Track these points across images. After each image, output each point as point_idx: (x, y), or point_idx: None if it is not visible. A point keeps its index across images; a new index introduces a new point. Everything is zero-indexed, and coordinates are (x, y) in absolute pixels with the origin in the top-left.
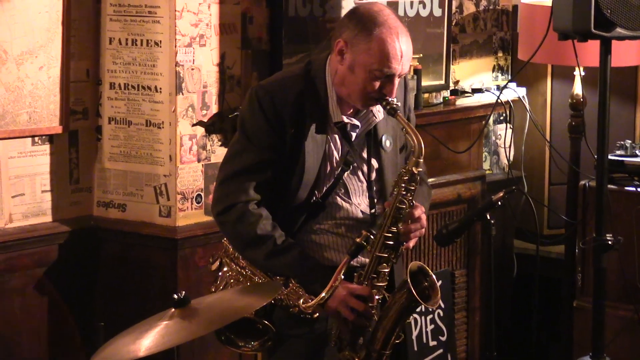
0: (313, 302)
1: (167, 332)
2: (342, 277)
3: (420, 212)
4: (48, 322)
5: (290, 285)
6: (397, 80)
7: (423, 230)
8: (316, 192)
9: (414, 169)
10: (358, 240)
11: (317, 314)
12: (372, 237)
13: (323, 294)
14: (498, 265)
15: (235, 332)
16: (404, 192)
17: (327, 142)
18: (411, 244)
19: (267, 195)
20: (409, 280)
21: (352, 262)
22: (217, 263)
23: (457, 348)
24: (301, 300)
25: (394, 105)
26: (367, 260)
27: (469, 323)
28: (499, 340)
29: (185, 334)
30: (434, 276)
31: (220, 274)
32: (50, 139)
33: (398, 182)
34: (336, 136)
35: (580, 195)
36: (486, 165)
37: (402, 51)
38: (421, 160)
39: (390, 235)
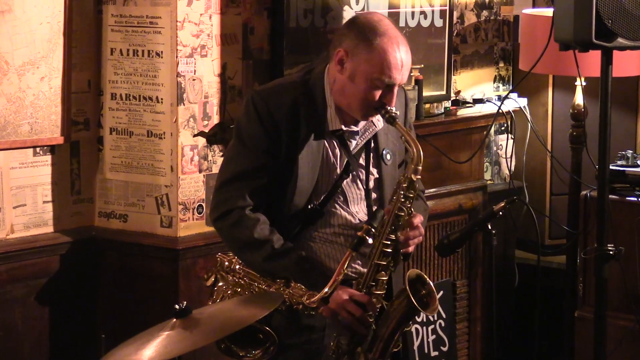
0: (317, 297)
1: (168, 343)
2: (345, 270)
3: (418, 220)
4: (49, 333)
5: (292, 284)
6: (396, 90)
7: (421, 238)
8: (314, 199)
9: (412, 176)
10: (359, 233)
11: (321, 309)
12: (373, 230)
13: (326, 289)
14: (499, 276)
15: (235, 341)
16: (402, 200)
17: (325, 150)
18: (410, 249)
19: (265, 201)
20: (407, 287)
21: (349, 272)
22: (212, 279)
23: (459, 358)
24: (304, 297)
25: (393, 114)
26: (365, 269)
27: (470, 333)
28: (500, 351)
29: (187, 344)
30: (431, 284)
31: (215, 288)
32: (52, 149)
33: (397, 190)
34: (335, 144)
35: (581, 206)
36: (487, 176)
37: (403, 61)
38: (420, 167)
39: (388, 242)
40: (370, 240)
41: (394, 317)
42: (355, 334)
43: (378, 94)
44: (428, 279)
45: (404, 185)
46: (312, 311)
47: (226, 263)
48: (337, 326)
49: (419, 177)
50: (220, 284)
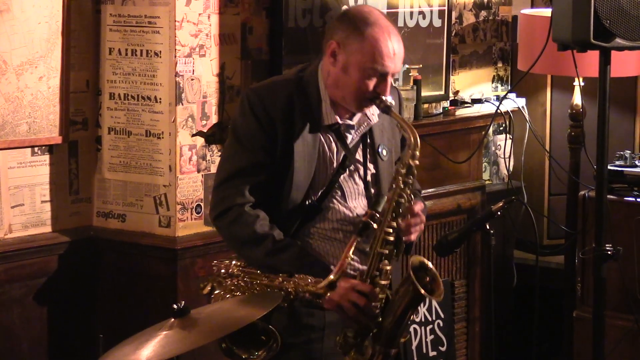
0: (323, 282)
1: (167, 342)
2: (352, 256)
3: (419, 207)
4: (48, 333)
5: (295, 276)
6: (390, 79)
7: (423, 225)
8: (312, 194)
9: (410, 161)
10: (364, 218)
11: (324, 297)
12: (377, 215)
13: (332, 276)
14: (498, 276)
15: (237, 343)
16: (402, 186)
17: (321, 145)
18: (412, 237)
19: (263, 198)
20: (412, 274)
21: (348, 270)
22: (209, 287)
23: (457, 358)
24: (310, 285)
25: (388, 104)
26: (366, 266)
27: (468, 333)
28: (499, 351)
29: (185, 344)
30: (434, 269)
31: (212, 296)
32: (50, 149)
33: (396, 176)
34: (331, 139)
35: (579, 206)
36: (486, 176)
37: (395, 49)
38: (417, 153)
39: (390, 230)
40: (375, 225)
41: (399, 306)
42: (360, 325)
43: (372, 83)
44: (431, 265)
45: (402, 171)
46: (318, 299)
47: (222, 270)
48: (342, 318)
49: (417, 162)
50: (217, 291)
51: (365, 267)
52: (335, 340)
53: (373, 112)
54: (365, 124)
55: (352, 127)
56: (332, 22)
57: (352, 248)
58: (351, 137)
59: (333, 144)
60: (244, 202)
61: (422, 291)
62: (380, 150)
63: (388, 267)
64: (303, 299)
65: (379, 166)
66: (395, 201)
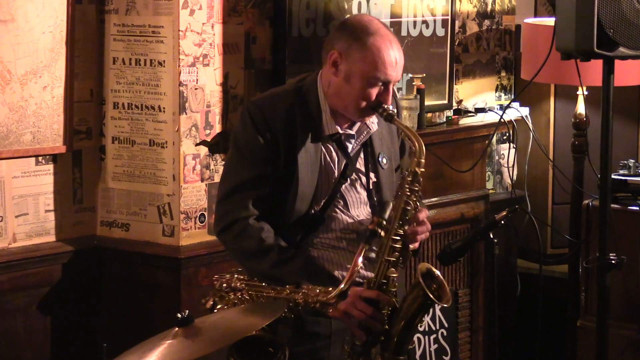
0: (334, 292)
1: (170, 351)
2: (361, 264)
3: (424, 215)
4: (51, 342)
5: (304, 287)
6: (391, 88)
7: (428, 233)
8: (314, 205)
9: (416, 169)
10: (371, 226)
11: (331, 310)
12: (384, 222)
13: (343, 286)
14: (501, 285)
15: (244, 358)
16: (408, 193)
17: (322, 155)
18: (416, 245)
19: (266, 210)
20: (421, 280)
21: (357, 278)
22: (211, 302)
23: None
24: (321, 295)
25: (391, 112)
26: (373, 274)
27: (472, 343)
28: None
29: (189, 353)
30: (441, 276)
31: (215, 310)
32: (54, 158)
33: (402, 184)
34: (332, 148)
35: (583, 215)
36: (489, 185)
37: (397, 58)
38: (423, 160)
39: (397, 238)
40: (382, 233)
41: (408, 312)
42: (370, 331)
43: (374, 92)
44: (437, 272)
45: (408, 179)
46: (329, 309)
47: (224, 285)
48: (350, 326)
49: (423, 169)
50: (219, 306)
51: (371, 274)
52: (343, 349)
53: (372, 120)
54: (365, 132)
55: (352, 136)
56: (331, 32)
57: (361, 256)
58: (352, 146)
59: (334, 154)
60: (248, 215)
61: (432, 296)
62: (380, 158)
63: (394, 275)
64: (310, 309)
65: (379, 175)
66: (402, 209)
